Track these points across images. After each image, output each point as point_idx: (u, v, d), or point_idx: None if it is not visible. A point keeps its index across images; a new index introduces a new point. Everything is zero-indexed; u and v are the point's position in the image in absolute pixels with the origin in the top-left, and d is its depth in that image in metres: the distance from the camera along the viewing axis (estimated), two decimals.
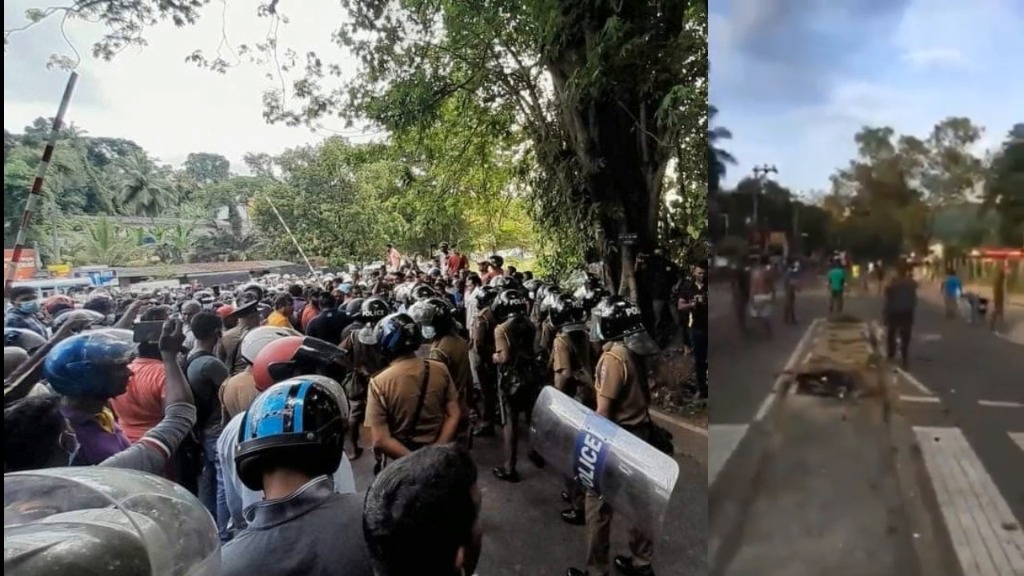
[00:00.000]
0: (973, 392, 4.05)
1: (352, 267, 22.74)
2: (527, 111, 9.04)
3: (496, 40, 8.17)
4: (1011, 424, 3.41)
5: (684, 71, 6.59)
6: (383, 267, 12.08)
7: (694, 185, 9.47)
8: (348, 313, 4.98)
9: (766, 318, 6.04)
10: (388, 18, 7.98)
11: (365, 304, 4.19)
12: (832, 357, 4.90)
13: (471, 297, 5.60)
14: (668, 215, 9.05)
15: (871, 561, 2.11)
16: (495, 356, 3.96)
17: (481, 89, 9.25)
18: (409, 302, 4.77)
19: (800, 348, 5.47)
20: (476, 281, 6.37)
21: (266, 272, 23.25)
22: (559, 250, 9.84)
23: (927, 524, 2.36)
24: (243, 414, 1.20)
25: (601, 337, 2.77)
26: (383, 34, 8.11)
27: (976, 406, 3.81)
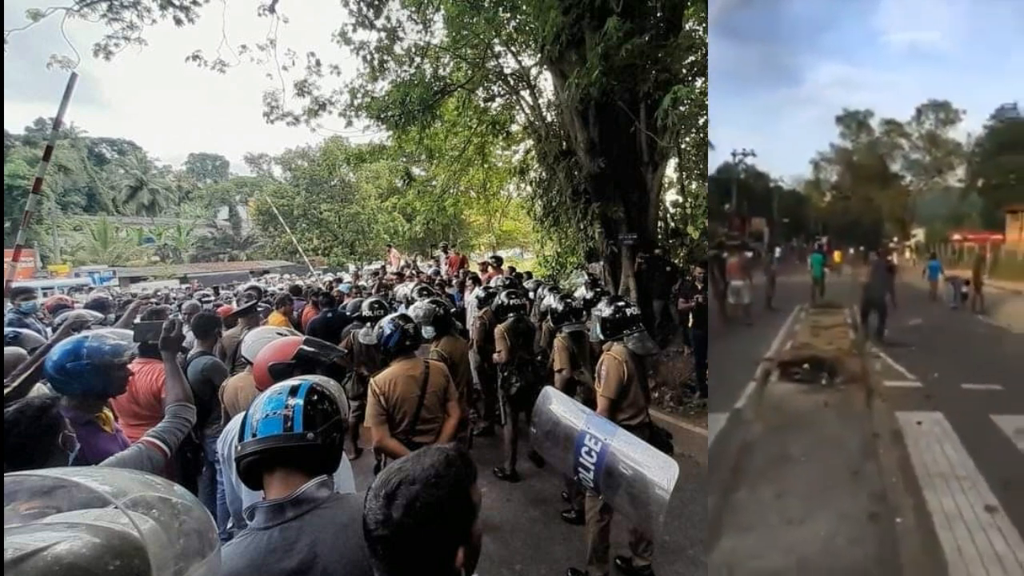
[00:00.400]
0: (955, 376, 4.05)
1: (352, 267, 22.75)
2: (527, 111, 9.03)
3: (496, 40, 8.17)
4: (993, 407, 3.42)
5: (684, 71, 6.59)
6: (383, 267, 12.08)
7: (694, 185, 9.47)
8: (348, 313, 4.98)
9: (746, 305, 6.01)
10: (388, 18, 7.99)
11: (365, 304, 4.19)
12: (814, 343, 4.88)
13: (471, 297, 5.61)
14: (668, 215, 9.04)
15: (853, 547, 2.12)
16: (495, 356, 3.96)
17: (481, 89, 9.25)
18: (409, 302, 4.78)
19: (781, 335, 5.46)
20: (476, 281, 6.37)
21: (266, 272, 23.27)
22: (559, 250, 9.84)
23: (909, 509, 2.37)
24: (243, 414, 1.20)
25: (601, 337, 2.77)
26: (383, 34, 8.11)
27: (959, 390, 3.81)
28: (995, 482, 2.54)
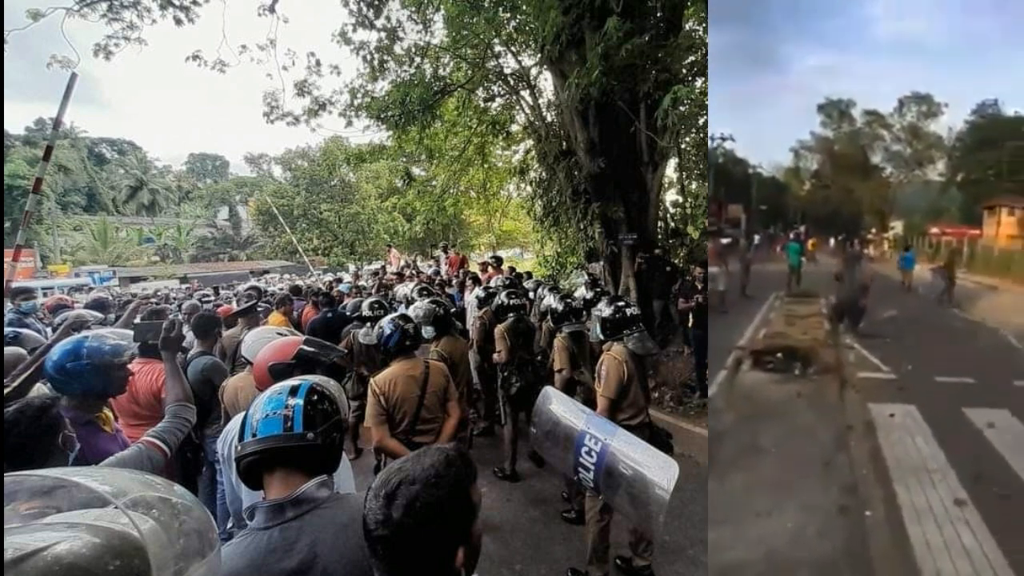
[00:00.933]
0: (929, 368, 4.05)
1: (352, 267, 22.75)
2: (527, 111, 9.03)
3: (496, 40, 8.17)
4: (966, 400, 3.43)
5: (684, 71, 6.59)
6: (383, 267, 12.08)
7: (694, 185, 9.47)
8: (348, 313, 4.98)
9: (720, 292, 5.99)
10: (388, 18, 7.98)
11: (365, 304, 4.19)
12: (788, 333, 4.85)
13: (471, 297, 5.61)
14: (668, 215, 9.04)
15: (822, 539, 2.13)
16: (495, 356, 3.96)
17: (481, 89, 9.25)
18: (409, 302, 4.78)
19: (756, 323, 5.43)
20: (476, 281, 6.37)
21: (266, 272, 23.26)
22: (559, 250, 9.84)
23: (880, 501, 2.38)
24: (243, 414, 1.20)
25: (601, 337, 2.77)
26: (383, 34, 8.11)
27: (932, 383, 3.81)
28: (965, 476, 2.56)
